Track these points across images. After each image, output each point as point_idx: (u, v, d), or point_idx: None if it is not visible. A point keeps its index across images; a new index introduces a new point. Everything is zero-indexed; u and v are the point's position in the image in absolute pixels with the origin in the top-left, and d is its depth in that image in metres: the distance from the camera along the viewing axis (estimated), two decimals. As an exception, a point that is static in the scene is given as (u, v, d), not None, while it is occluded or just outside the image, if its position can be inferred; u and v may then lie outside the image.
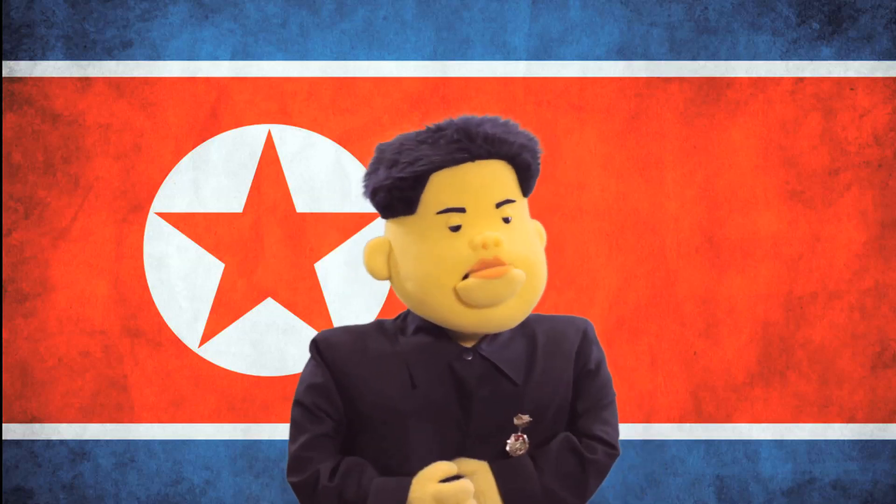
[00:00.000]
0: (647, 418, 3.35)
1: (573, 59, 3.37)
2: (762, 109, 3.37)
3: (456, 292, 1.92)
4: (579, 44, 3.37)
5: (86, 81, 3.36)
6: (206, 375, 3.37)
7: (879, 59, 3.35)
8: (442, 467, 1.93)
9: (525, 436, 1.97)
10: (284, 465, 3.33)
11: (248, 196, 3.38)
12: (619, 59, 3.37)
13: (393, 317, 2.06)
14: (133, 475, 3.36)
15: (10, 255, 3.35)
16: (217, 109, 3.37)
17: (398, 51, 3.36)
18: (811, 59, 3.36)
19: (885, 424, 3.35)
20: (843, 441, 3.36)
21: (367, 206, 2.02)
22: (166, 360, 3.37)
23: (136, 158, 3.37)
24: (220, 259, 3.38)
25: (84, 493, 3.36)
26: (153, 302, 3.37)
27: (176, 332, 3.37)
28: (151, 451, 3.36)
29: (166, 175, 3.37)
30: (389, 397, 1.96)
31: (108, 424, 3.36)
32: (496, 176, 1.96)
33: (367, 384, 1.97)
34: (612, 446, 2.01)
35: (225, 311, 3.38)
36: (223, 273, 3.38)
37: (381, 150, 1.99)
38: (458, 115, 2.00)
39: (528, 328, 2.02)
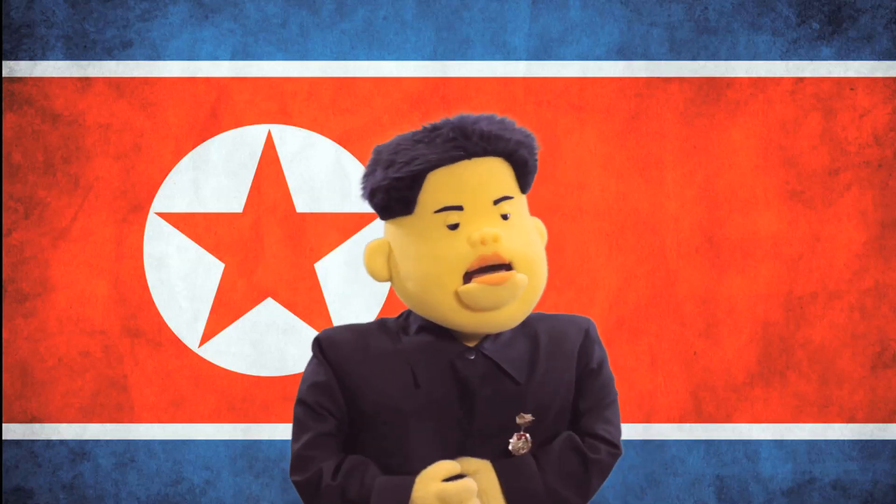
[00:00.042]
0: (647, 418, 3.35)
1: (573, 59, 3.37)
2: (762, 109, 3.37)
3: (458, 295, 1.93)
4: (579, 44, 3.37)
5: (86, 81, 3.36)
6: (206, 375, 3.37)
7: (879, 59, 3.35)
8: (445, 466, 1.93)
9: (528, 435, 1.97)
10: (284, 465, 3.34)
11: (248, 196, 3.38)
12: (619, 59, 3.37)
13: (393, 317, 2.06)
14: (133, 475, 3.36)
15: (10, 255, 3.35)
16: (217, 109, 3.37)
17: (398, 51, 3.36)
18: (811, 59, 3.36)
19: (885, 424, 3.35)
20: (843, 441, 3.36)
21: (367, 207, 2.02)
22: (166, 360, 3.37)
23: (136, 158, 3.37)
24: (220, 259, 3.38)
25: (84, 493, 3.36)
26: (153, 302, 3.37)
27: (176, 332, 3.37)
28: (151, 451, 3.36)
29: (166, 175, 3.37)
30: (391, 396, 1.96)
31: (108, 424, 3.36)
32: (493, 173, 1.96)
33: (370, 383, 1.97)
34: (614, 446, 2.01)
35: (225, 311, 3.38)
36: (223, 273, 3.38)
37: (378, 151, 2.00)
38: (454, 115, 2.00)
39: (531, 327, 2.02)
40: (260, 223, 3.38)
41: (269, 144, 3.38)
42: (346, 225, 3.37)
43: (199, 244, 3.38)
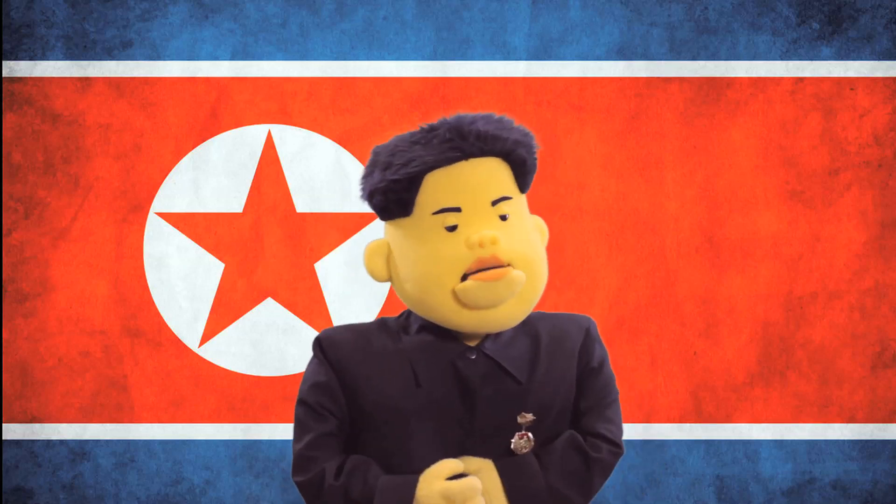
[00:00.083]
0: (647, 418, 3.35)
1: (573, 59, 3.37)
2: (762, 109, 3.37)
3: (455, 293, 1.92)
4: (579, 44, 3.37)
5: (86, 81, 3.36)
6: (206, 375, 3.37)
7: (879, 59, 3.35)
8: (449, 464, 1.93)
9: (530, 434, 1.97)
10: (284, 465, 3.34)
11: (248, 196, 3.38)
12: (619, 59, 3.37)
13: (393, 316, 2.06)
14: (133, 475, 3.36)
15: (10, 255, 3.35)
16: (217, 109, 3.37)
17: (398, 51, 3.36)
18: (811, 59, 3.36)
19: (885, 424, 3.35)
20: (843, 441, 3.36)
21: (367, 207, 2.02)
22: (166, 360, 3.37)
23: (136, 158, 3.37)
24: (220, 259, 3.38)
25: (84, 493, 3.36)
26: (153, 302, 3.37)
27: (176, 332, 3.37)
28: (151, 451, 3.36)
29: (166, 175, 3.37)
30: (392, 396, 1.96)
31: (108, 424, 3.36)
32: (491, 173, 1.96)
33: (370, 383, 1.97)
34: (616, 445, 2.01)
35: (225, 311, 3.38)
36: (223, 273, 3.38)
37: (376, 152, 1.99)
38: (452, 115, 2.00)
39: (531, 326, 2.02)
40: (260, 223, 3.38)
41: (269, 144, 3.38)
42: (346, 225, 3.37)
43: (199, 244, 3.38)
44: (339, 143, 3.38)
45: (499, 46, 3.36)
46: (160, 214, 3.38)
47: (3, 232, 3.35)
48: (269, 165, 3.39)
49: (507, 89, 3.36)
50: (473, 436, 1.95)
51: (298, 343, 3.35)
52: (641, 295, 3.37)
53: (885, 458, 3.35)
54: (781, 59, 3.36)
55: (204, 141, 3.38)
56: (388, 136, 2.01)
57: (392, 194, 1.95)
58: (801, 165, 3.37)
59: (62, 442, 3.36)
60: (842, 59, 3.36)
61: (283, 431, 3.33)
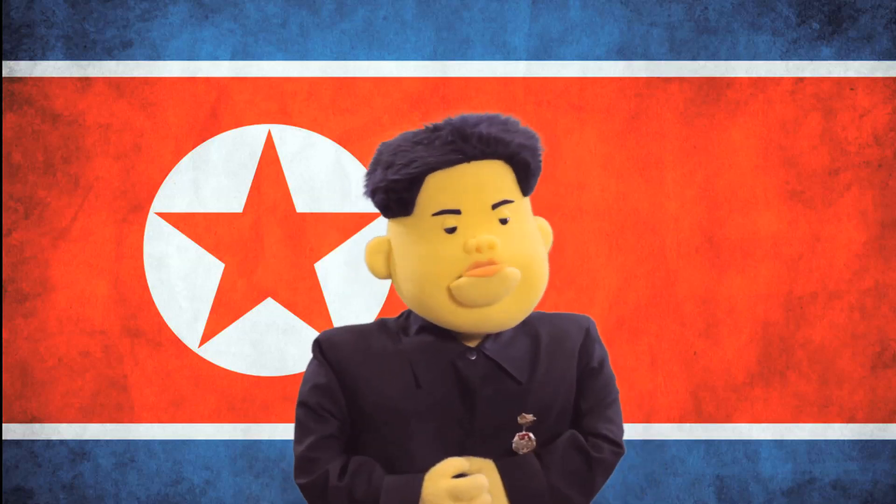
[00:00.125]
0: (647, 418, 3.35)
1: (573, 59, 3.37)
2: (762, 109, 3.37)
3: (450, 291, 1.92)
4: (579, 44, 3.37)
5: (86, 81, 3.36)
6: (206, 375, 3.37)
7: (879, 59, 3.35)
8: (454, 463, 1.93)
9: (531, 434, 1.97)
10: (284, 465, 3.34)
11: (248, 196, 3.38)
12: (619, 59, 3.37)
13: (393, 317, 2.06)
14: (133, 475, 3.36)
15: (10, 255, 3.35)
16: (217, 109, 3.37)
17: (398, 51, 3.36)
18: (811, 59, 3.36)
19: (885, 424, 3.35)
20: (843, 441, 3.36)
21: (367, 206, 2.02)
22: (166, 360, 3.36)
23: (136, 158, 3.37)
24: (220, 259, 3.38)
25: (84, 493, 3.36)
26: (153, 302, 3.37)
27: (176, 332, 3.37)
28: (151, 451, 3.36)
29: (166, 175, 3.37)
30: (392, 397, 1.96)
31: (108, 424, 3.36)
32: (492, 176, 1.95)
33: (370, 384, 1.97)
34: (617, 445, 2.01)
35: (225, 311, 3.38)
36: (223, 273, 3.38)
37: (381, 150, 1.99)
38: (457, 115, 2.00)
39: (531, 327, 2.02)
40: (260, 223, 3.38)
41: (269, 144, 3.38)
42: (346, 225, 3.37)
43: (199, 244, 3.38)
44: (339, 143, 3.38)
45: (499, 46, 3.36)
46: (160, 214, 3.38)
47: (3, 232, 3.35)
48: (269, 165, 3.39)
49: (507, 89, 3.36)
50: (474, 436, 1.95)
51: (298, 343, 3.35)
52: (641, 295, 3.37)
53: (885, 458, 3.35)
54: (781, 59, 3.36)
55: (204, 141, 3.37)
56: (388, 137, 2.01)
57: (393, 194, 1.95)
58: (801, 165, 3.37)
59: (62, 442, 3.36)
60: (842, 59, 3.36)
61: (283, 431, 3.33)
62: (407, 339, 1.99)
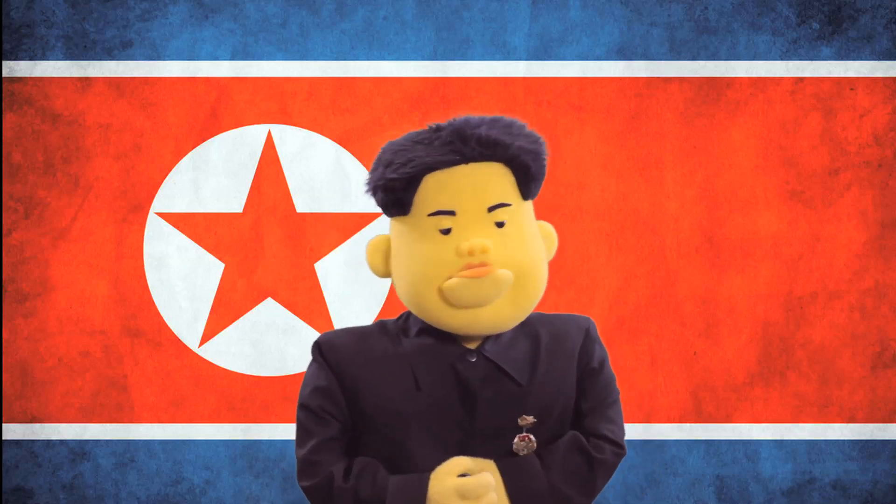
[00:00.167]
0: (647, 418, 3.35)
1: (573, 59, 3.37)
2: (762, 109, 3.37)
3: (441, 292, 1.92)
4: (579, 44, 3.36)
5: (86, 81, 3.36)
6: (206, 375, 3.37)
7: (879, 59, 3.35)
8: (460, 462, 1.93)
9: (531, 436, 1.97)
10: (284, 465, 3.34)
11: (248, 196, 3.38)
12: (619, 59, 3.36)
13: (393, 317, 2.06)
14: (133, 475, 3.36)
15: (10, 255, 3.35)
16: (217, 109, 3.37)
17: (398, 51, 3.36)
18: (811, 59, 3.36)
19: (885, 424, 3.35)
20: (843, 441, 3.36)
21: (368, 206, 2.02)
22: (166, 360, 3.36)
23: (136, 158, 3.37)
24: (220, 259, 3.38)
25: (84, 493, 3.36)
26: (153, 302, 3.37)
27: (176, 332, 3.37)
28: (151, 451, 3.36)
29: (166, 175, 3.37)
30: (393, 399, 1.96)
31: (108, 424, 3.36)
32: (489, 179, 1.95)
33: (371, 386, 1.97)
34: (619, 445, 2.01)
35: (225, 311, 3.38)
36: (223, 273, 3.38)
37: (384, 149, 2.00)
38: (458, 115, 1.99)
39: (531, 328, 2.01)
40: (260, 223, 3.38)
41: (269, 144, 3.38)
42: (346, 225, 3.37)
43: (199, 244, 3.38)
44: (339, 143, 3.38)
45: (499, 46, 3.36)
46: (160, 214, 3.38)
47: (3, 232, 3.35)
48: (269, 165, 3.38)
49: (507, 89, 3.36)
50: (474, 438, 1.95)
51: (298, 343, 3.35)
52: (641, 295, 3.37)
53: (885, 458, 3.35)
54: (781, 59, 3.36)
55: (204, 141, 3.37)
56: (388, 137, 2.01)
57: (390, 193, 1.95)
58: (801, 165, 3.37)
59: (62, 442, 3.36)
60: (842, 59, 3.36)
61: (283, 431, 3.33)
62: (407, 341, 1.99)
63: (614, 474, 2.05)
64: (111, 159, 3.37)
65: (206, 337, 3.37)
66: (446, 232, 1.94)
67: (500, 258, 1.92)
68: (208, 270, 3.38)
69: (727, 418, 3.35)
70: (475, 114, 2.00)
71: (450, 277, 1.92)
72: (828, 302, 3.36)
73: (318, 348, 2.00)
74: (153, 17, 3.36)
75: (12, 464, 3.35)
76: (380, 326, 2.03)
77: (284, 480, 3.34)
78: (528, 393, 1.97)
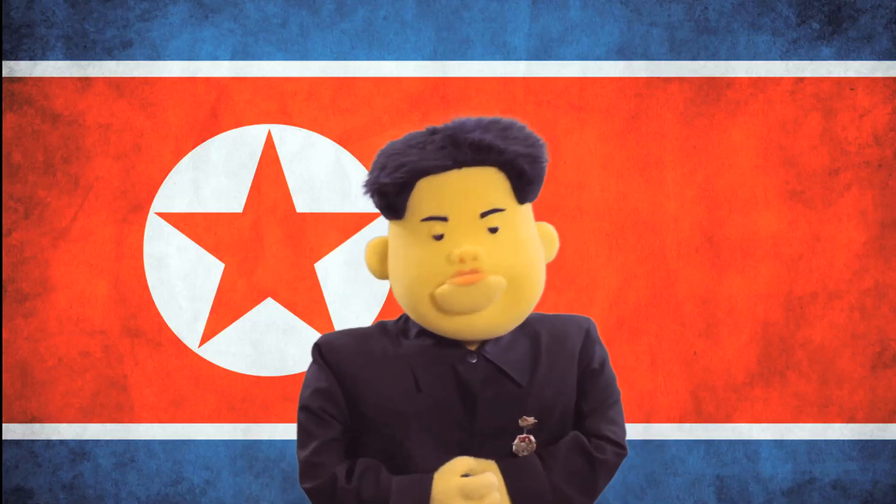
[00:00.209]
0: (647, 418, 3.35)
1: (573, 59, 3.37)
2: (762, 109, 3.37)
3: (433, 298, 1.92)
4: (579, 44, 3.36)
5: (86, 81, 3.36)
6: (206, 375, 3.37)
7: (879, 59, 3.35)
8: (463, 462, 1.93)
9: (531, 437, 1.96)
10: (284, 465, 3.34)
11: (248, 196, 3.38)
12: (619, 59, 3.36)
13: (393, 317, 2.06)
14: (133, 475, 3.36)
15: (10, 255, 3.35)
16: (217, 109, 3.37)
17: (398, 51, 3.36)
18: (811, 59, 3.36)
19: (885, 424, 3.35)
20: (843, 441, 3.36)
21: (367, 207, 2.02)
22: (166, 360, 3.36)
23: (136, 158, 3.37)
24: (220, 259, 3.38)
25: (84, 493, 3.36)
26: (153, 302, 3.37)
27: (176, 332, 3.37)
28: (151, 451, 3.36)
29: (166, 175, 3.37)
30: (393, 400, 1.96)
31: (108, 424, 3.36)
32: (481, 184, 1.93)
33: (371, 387, 1.97)
34: (620, 446, 2.01)
35: (225, 311, 3.38)
36: (223, 273, 3.38)
37: (382, 151, 1.99)
38: (458, 115, 1.98)
39: (531, 328, 2.01)
40: (260, 223, 3.38)
41: (269, 144, 3.38)
42: (346, 225, 3.37)
43: (199, 244, 3.38)
44: (339, 143, 3.38)
45: (499, 46, 3.36)
46: (160, 214, 3.38)
47: (3, 232, 3.35)
48: (269, 165, 3.38)
49: (507, 89, 3.36)
50: (474, 439, 1.95)
51: (298, 343, 3.35)
52: (641, 295, 3.37)
53: (885, 458, 3.35)
54: (781, 59, 3.36)
55: (204, 141, 3.37)
56: (388, 137, 2.01)
57: (384, 197, 1.95)
58: (801, 165, 3.37)
59: (62, 442, 3.36)
60: (842, 59, 3.36)
61: (283, 431, 3.33)
62: (407, 343, 1.99)
63: (615, 475, 2.05)
64: (111, 159, 3.37)
65: (206, 337, 3.37)
66: (439, 238, 1.92)
67: (492, 264, 1.91)
68: (208, 270, 3.38)
69: (727, 418, 3.35)
70: (475, 114, 1.99)
71: (441, 284, 1.91)
72: (828, 302, 3.36)
73: (318, 350, 2.00)
74: (153, 17, 3.36)
75: (12, 464, 3.35)
76: (380, 327, 2.03)
77: (284, 480, 3.34)
78: (528, 394, 1.97)
